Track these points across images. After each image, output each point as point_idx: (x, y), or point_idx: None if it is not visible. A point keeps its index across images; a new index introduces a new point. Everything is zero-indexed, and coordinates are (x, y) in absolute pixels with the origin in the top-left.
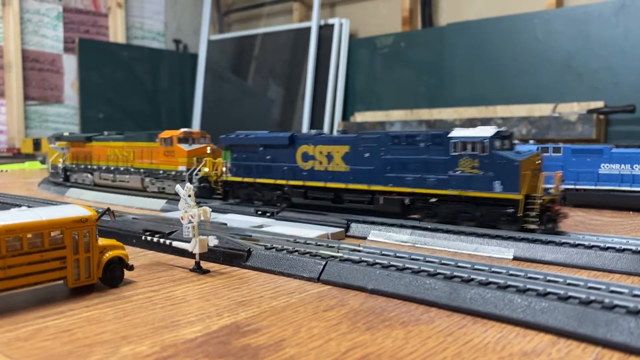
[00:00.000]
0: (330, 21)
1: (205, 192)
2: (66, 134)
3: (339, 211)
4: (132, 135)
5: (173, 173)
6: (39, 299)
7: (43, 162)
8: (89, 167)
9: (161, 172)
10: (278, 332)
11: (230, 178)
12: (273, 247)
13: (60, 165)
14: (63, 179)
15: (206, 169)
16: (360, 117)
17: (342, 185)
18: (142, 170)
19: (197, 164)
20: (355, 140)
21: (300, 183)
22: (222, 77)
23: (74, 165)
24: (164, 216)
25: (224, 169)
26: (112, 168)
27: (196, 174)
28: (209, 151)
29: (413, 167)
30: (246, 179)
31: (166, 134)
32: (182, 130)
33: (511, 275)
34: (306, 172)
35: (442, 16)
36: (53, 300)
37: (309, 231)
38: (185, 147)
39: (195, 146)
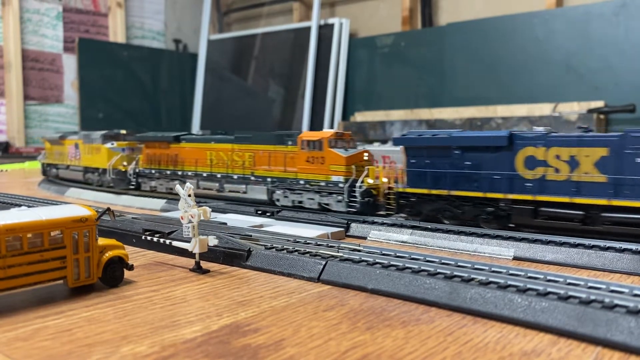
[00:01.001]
0: (330, 21)
1: (369, 208)
2: (122, 131)
3: (592, 234)
4: (248, 136)
5: (322, 184)
6: (39, 299)
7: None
8: (177, 173)
9: (302, 182)
10: (278, 332)
11: (409, 189)
12: (273, 247)
13: (130, 170)
14: (134, 187)
15: (370, 180)
16: (360, 116)
17: (600, 202)
18: (269, 180)
19: (356, 174)
20: (619, 140)
21: (526, 197)
22: (222, 77)
23: (153, 171)
24: (163, 216)
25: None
26: (218, 176)
27: (360, 186)
28: (366, 157)
29: None
30: (434, 191)
31: (310, 135)
32: (333, 131)
33: (511, 275)
34: (532, 183)
35: (442, 16)
36: (53, 300)
37: (309, 231)
38: (341, 152)
39: (351, 151)
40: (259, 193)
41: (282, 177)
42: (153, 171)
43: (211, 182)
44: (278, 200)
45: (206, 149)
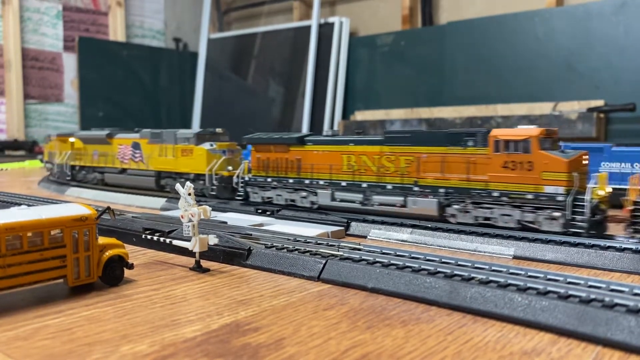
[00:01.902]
0: (330, 20)
1: (599, 228)
2: (218, 130)
3: None
4: (405, 135)
5: (530, 196)
6: (39, 298)
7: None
8: (303, 181)
9: (495, 194)
10: (278, 331)
11: None
12: (273, 246)
13: (237, 177)
14: (242, 197)
15: (600, 192)
16: (360, 115)
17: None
18: (442, 191)
19: (577, 182)
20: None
21: None
22: (222, 76)
23: (269, 179)
24: (163, 215)
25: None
26: (363, 185)
27: (589, 200)
28: (585, 161)
29: None
30: None
31: (509, 133)
32: (538, 128)
33: (511, 274)
34: None
35: (442, 15)
36: (53, 299)
37: (309, 230)
38: (559, 155)
39: (570, 154)
40: (425, 207)
41: (463, 187)
42: (269, 179)
43: (352, 193)
44: (453, 216)
45: (343, 153)
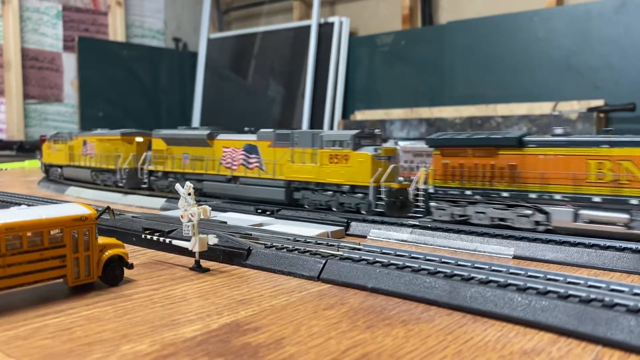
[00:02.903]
0: (330, 19)
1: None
2: (377, 131)
3: None
4: None
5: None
6: (39, 298)
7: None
8: (526, 195)
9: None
10: (278, 331)
11: None
12: (273, 246)
13: (414, 188)
14: (424, 213)
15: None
16: (360, 115)
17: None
18: None
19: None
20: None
21: None
22: (221, 76)
23: (468, 192)
24: (163, 215)
25: None
26: (633, 202)
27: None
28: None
29: None
30: None
31: None
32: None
33: (511, 273)
34: None
35: (442, 14)
36: (53, 298)
37: (309, 230)
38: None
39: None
40: None
41: None
42: (468, 192)
43: (613, 213)
44: None
45: (590, 157)
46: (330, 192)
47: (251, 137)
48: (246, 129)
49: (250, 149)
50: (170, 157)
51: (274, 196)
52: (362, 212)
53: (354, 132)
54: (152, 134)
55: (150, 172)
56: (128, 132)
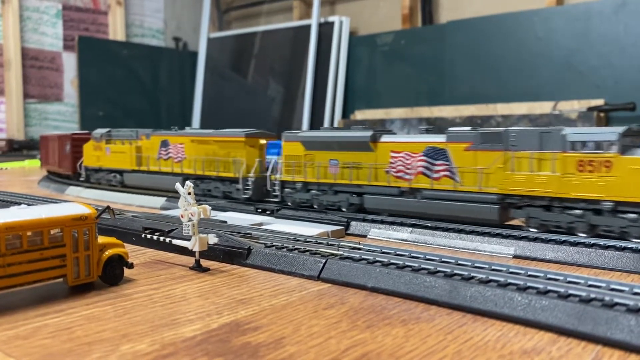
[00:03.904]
0: (330, 19)
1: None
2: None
3: None
4: None
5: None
6: (39, 297)
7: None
8: None
9: None
10: (278, 330)
11: None
12: (273, 245)
13: None
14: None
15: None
16: (360, 114)
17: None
18: None
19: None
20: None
21: None
22: (221, 75)
23: None
24: (163, 214)
25: None
26: None
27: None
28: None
29: None
30: None
31: None
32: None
33: (511, 273)
34: None
35: (442, 14)
36: (53, 298)
37: (309, 229)
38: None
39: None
40: None
41: None
42: None
43: None
44: None
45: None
46: (578, 211)
47: (436, 139)
48: (425, 127)
49: (436, 154)
50: (311, 165)
51: (479, 215)
52: (633, 238)
53: (621, 129)
54: (284, 136)
55: (283, 183)
56: (252, 133)
